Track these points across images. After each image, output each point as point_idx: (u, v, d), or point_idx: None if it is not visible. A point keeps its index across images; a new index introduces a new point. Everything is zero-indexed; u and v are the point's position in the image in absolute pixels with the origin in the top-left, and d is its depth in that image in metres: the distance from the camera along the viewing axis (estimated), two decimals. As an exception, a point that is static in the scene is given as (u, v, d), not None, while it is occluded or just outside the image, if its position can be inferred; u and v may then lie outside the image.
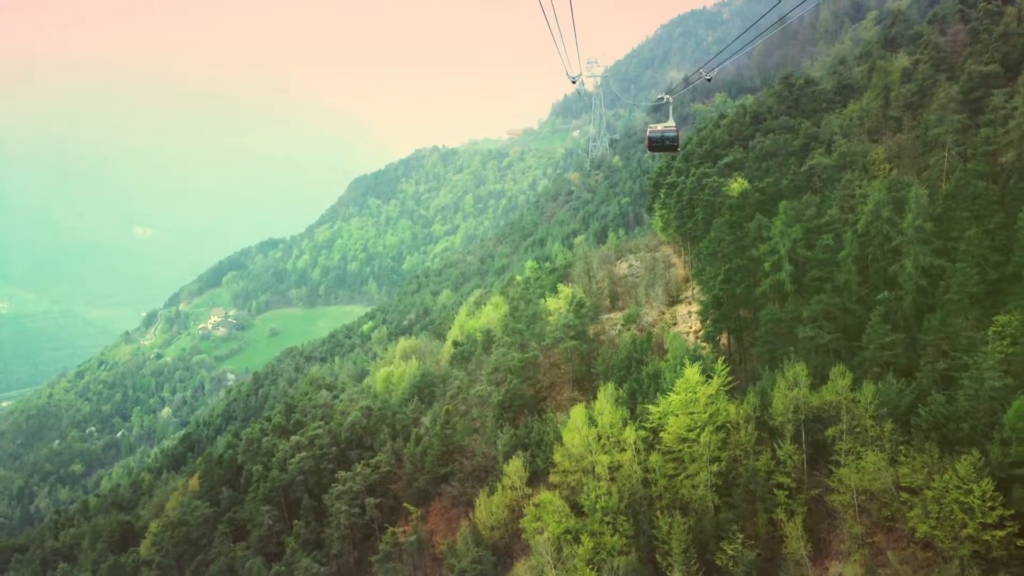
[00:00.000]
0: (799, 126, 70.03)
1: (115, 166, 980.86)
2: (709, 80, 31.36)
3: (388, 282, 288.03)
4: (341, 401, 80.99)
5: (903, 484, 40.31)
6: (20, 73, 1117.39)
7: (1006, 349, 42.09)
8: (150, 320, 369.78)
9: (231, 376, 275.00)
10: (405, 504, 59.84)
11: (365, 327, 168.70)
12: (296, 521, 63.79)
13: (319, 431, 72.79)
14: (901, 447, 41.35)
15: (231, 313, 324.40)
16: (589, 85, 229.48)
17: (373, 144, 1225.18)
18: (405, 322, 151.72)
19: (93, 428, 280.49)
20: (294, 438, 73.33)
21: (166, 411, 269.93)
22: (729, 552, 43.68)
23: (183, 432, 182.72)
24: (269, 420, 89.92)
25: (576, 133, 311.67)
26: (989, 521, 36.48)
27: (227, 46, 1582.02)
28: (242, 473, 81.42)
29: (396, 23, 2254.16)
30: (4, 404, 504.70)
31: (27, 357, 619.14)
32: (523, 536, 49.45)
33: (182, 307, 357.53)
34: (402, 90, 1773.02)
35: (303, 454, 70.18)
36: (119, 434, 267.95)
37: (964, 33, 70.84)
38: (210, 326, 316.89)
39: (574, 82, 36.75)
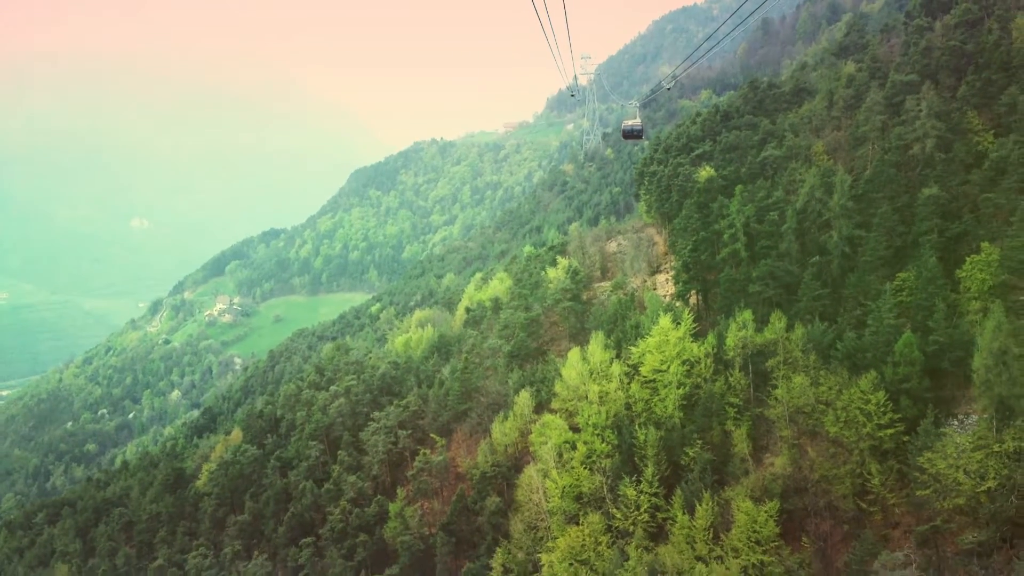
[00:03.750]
0: (760, 123, 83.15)
1: (112, 160, 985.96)
2: (668, 89, 44.24)
3: (388, 270, 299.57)
4: (370, 359, 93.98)
5: (821, 399, 53.43)
6: (18, 66, 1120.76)
7: (904, 299, 55.35)
8: (155, 308, 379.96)
9: (238, 360, 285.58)
10: (432, 435, 72.80)
11: (373, 308, 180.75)
12: (340, 451, 76.73)
13: (353, 382, 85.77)
14: (821, 372, 54.52)
15: (236, 301, 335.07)
16: (583, 80, 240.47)
17: (372, 139, 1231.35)
18: (411, 303, 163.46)
19: (105, 410, 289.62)
20: (332, 388, 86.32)
21: (175, 393, 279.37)
22: (691, 454, 56.58)
23: (204, 406, 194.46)
24: (302, 379, 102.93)
25: (570, 126, 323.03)
26: (882, 423, 49.47)
27: (226, 43, 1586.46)
28: (280, 423, 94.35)
29: (395, 23, 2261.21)
30: (4, 393, 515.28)
31: (26, 347, 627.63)
32: (531, 450, 62.45)
33: (187, 295, 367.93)
34: (399, 88, 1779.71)
35: (340, 400, 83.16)
36: (131, 415, 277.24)
37: (899, 45, 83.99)
38: (216, 313, 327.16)
39: (573, 95, 49.61)
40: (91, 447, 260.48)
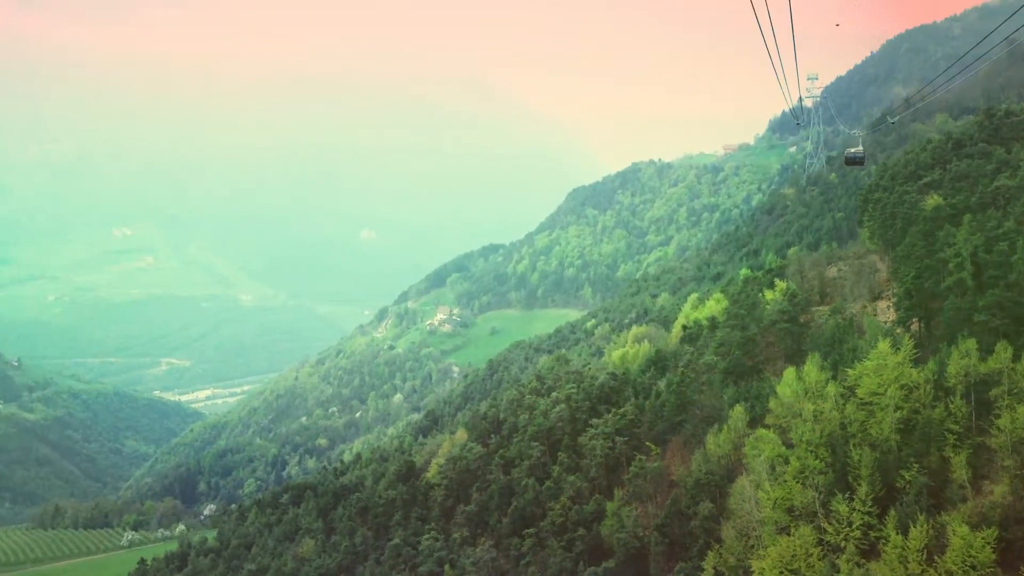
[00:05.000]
0: (994, 152, 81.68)
1: (346, 172, 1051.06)
2: (892, 123, 46.47)
3: (603, 288, 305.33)
4: (589, 369, 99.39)
5: (1048, 431, 53.21)
6: (274, 85, 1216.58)
7: None
8: (382, 315, 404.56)
9: (455, 368, 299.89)
10: (647, 443, 76.87)
11: (588, 324, 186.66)
12: (559, 453, 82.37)
13: (573, 390, 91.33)
14: (1049, 403, 54.19)
15: (455, 312, 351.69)
16: (808, 102, 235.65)
17: (583, 154, 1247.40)
18: (626, 320, 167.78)
19: (335, 408, 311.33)
20: (553, 395, 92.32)
21: (398, 397, 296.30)
22: (906, 477, 57.46)
23: (426, 409, 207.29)
24: (524, 386, 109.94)
25: (793, 149, 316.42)
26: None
27: (436, 49, 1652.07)
28: (503, 425, 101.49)
29: (605, 32, 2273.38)
30: (246, 387, 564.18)
31: (266, 346, 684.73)
32: (744, 461, 65.22)
33: (410, 304, 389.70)
34: (618, 106, 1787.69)
35: (561, 406, 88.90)
36: (357, 415, 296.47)
37: None
38: (436, 323, 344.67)
39: (798, 123, 52.50)
40: (322, 441, 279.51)
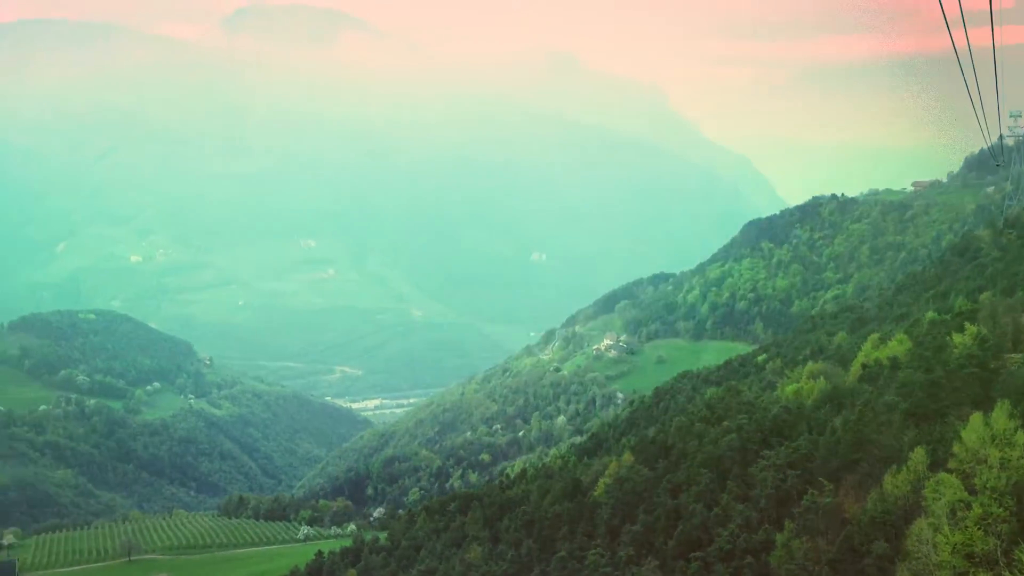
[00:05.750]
0: None
1: (520, 194, 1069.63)
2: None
3: (775, 323, 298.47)
4: (762, 401, 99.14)
5: None
6: (456, 103, 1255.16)
7: None
8: (549, 338, 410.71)
9: (620, 395, 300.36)
10: (820, 478, 76.33)
11: (759, 358, 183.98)
12: (728, 481, 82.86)
13: (744, 421, 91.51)
14: None
15: (622, 338, 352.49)
16: (1009, 140, 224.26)
17: (760, 185, 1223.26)
18: (800, 356, 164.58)
19: (499, 425, 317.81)
20: (724, 423, 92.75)
21: (561, 419, 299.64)
22: (1102, 532, 55.26)
23: (591, 431, 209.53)
24: (694, 414, 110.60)
25: (991, 189, 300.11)
26: None
27: (618, 76, 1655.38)
28: (671, 451, 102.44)
29: (792, 62, 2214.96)
30: (412, 400, 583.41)
31: (434, 361, 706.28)
32: (923, 504, 64.10)
33: (578, 328, 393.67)
34: (794, 132, 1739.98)
35: (732, 436, 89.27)
36: (520, 433, 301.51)
37: None
38: (603, 348, 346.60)
39: (998, 164, 51.92)
40: (485, 457, 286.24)
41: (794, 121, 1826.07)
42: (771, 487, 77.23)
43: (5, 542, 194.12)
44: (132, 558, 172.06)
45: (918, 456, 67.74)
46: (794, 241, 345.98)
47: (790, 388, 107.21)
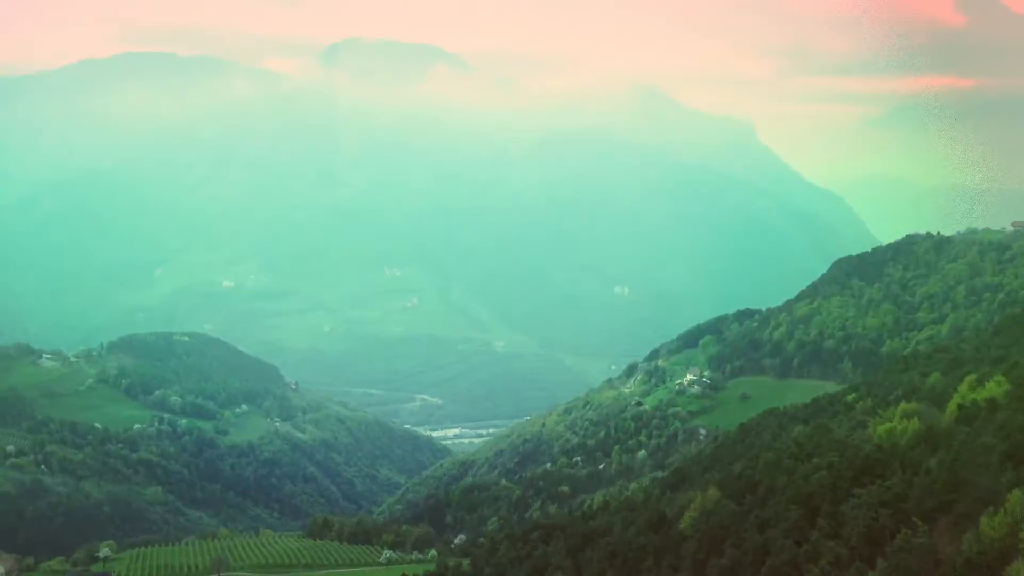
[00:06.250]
0: None
1: (604, 228, 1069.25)
2: None
3: (864, 363, 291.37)
4: (853, 439, 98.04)
5: None
6: (543, 140, 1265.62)
7: None
8: (631, 371, 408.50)
9: (702, 431, 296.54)
10: (913, 518, 75.33)
11: (849, 397, 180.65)
12: (818, 518, 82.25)
13: (835, 459, 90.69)
14: None
15: (705, 374, 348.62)
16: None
17: (852, 222, 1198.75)
18: (891, 396, 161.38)
19: (579, 458, 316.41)
20: (815, 460, 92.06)
21: (642, 453, 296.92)
22: None
23: (674, 466, 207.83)
24: (781, 450, 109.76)
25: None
26: None
27: (707, 113, 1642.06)
28: (758, 487, 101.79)
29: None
30: (491, 430, 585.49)
31: (514, 392, 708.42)
32: (1020, 547, 62.98)
33: (660, 363, 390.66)
34: (887, 170, 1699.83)
35: (822, 473, 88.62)
36: (600, 466, 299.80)
37: None
38: (686, 383, 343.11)
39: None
40: (564, 488, 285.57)
41: (889, 158, 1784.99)
42: (863, 525, 76.56)
43: (101, 555, 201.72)
44: (222, 574, 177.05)
45: (1016, 498, 66.59)
46: (886, 280, 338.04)
47: (882, 428, 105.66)
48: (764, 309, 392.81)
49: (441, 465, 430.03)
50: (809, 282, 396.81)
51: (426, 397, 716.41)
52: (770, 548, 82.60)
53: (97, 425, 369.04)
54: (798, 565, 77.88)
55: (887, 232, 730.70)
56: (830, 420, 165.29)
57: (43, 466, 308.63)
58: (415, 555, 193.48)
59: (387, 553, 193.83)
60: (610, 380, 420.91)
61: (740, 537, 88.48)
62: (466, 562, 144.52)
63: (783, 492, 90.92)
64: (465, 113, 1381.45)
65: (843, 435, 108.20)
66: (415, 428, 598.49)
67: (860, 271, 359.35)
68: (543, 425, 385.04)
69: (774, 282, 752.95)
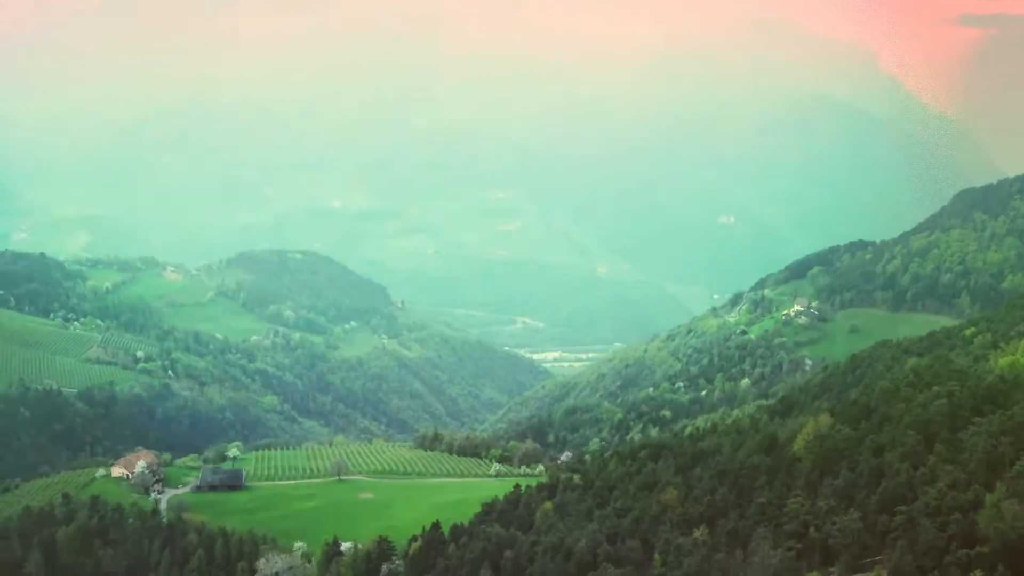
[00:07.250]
0: None
1: (717, 158, 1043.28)
2: None
3: (983, 298, 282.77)
4: (975, 370, 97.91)
5: None
6: (659, 62, 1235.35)
7: None
8: (736, 300, 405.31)
9: (808, 361, 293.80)
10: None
11: (967, 331, 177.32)
12: (936, 444, 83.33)
13: (956, 387, 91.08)
14: None
15: (813, 304, 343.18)
16: None
17: (976, 154, 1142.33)
18: (1013, 332, 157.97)
19: (681, 383, 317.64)
20: (934, 388, 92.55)
21: (745, 381, 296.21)
22: None
23: (781, 394, 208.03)
24: (899, 379, 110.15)
25: None
26: None
27: (825, 37, 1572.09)
28: (873, 414, 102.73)
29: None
30: (591, 354, 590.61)
31: (614, 318, 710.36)
32: None
33: (767, 293, 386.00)
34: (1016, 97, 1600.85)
35: (942, 401, 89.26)
36: (703, 392, 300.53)
37: None
38: (793, 313, 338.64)
39: None
40: (666, 413, 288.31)
41: (1020, 85, 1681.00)
42: (982, 452, 77.52)
43: (230, 455, 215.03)
44: (342, 477, 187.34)
45: None
46: (1012, 213, 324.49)
47: (1004, 360, 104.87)
48: (878, 241, 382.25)
49: (543, 386, 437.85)
50: (927, 215, 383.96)
51: (527, 320, 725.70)
52: (885, 471, 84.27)
53: (217, 335, 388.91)
54: (914, 487, 79.49)
55: (1016, 165, 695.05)
56: (948, 353, 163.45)
57: (170, 372, 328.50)
58: (523, 469, 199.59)
59: (496, 466, 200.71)
60: (714, 309, 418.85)
61: (855, 460, 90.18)
62: (577, 476, 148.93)
63: (900, 419, 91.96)
64: (579, 28, 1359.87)
65: (964, 366, 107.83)
66: (516, 350, 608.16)
67: (984, 204, 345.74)
68: (645, 351, 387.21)
69: (888, 215, 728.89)
